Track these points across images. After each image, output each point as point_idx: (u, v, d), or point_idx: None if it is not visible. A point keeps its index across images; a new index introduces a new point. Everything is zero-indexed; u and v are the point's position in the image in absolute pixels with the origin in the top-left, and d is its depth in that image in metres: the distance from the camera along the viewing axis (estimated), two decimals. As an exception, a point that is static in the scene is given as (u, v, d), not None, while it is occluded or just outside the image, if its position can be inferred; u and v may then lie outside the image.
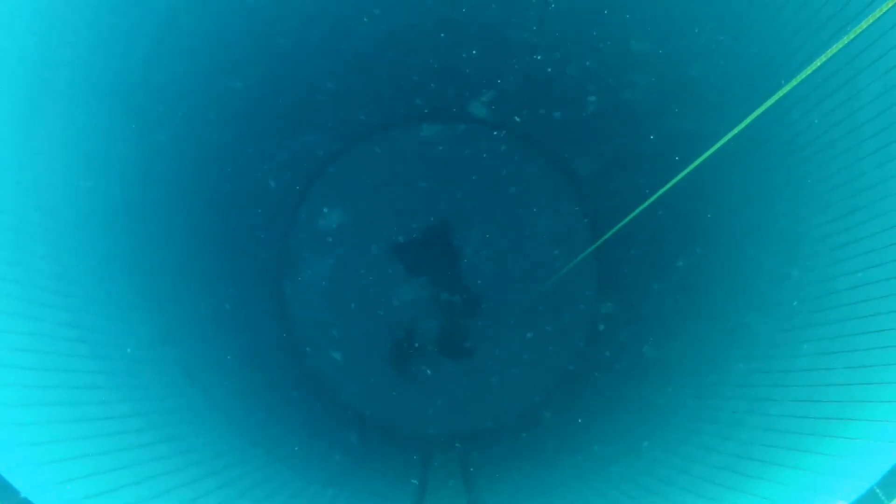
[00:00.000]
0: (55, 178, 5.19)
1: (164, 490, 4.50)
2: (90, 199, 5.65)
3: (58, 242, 5.07)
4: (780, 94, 3.51)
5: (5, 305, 4.29)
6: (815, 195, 5.13)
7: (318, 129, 9.79)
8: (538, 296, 10.03)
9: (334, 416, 9.75)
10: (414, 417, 10.03)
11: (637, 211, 5.39)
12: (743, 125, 3.85)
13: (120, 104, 6.01)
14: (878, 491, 3.29)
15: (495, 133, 10.53)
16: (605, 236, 6.30)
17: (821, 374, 4.68)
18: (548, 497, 6.30)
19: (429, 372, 10.15)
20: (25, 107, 4.84)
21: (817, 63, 3.29)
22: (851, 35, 3.07)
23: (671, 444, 5.91)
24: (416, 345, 10.22)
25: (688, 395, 6.46)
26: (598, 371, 9.45)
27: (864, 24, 3.04)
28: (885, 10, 2.81)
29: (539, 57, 8.33)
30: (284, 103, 8.69)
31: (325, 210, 10.40)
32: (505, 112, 10.10)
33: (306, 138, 9.73)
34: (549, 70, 8.59)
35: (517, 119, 10.14)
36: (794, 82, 3.41)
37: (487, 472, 7.66)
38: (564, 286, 9.68)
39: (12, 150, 4.73)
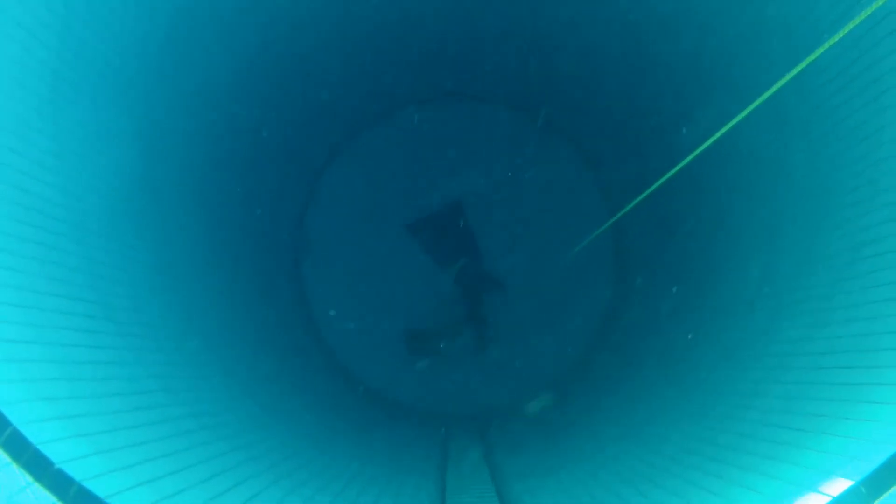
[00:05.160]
0: (80, 163, 5.28)
1: (192, 464, 4.59)
2: (112, 184, 5.74)
3: (83, 224, 5.17)
4: (797, 70, 3.54)
5: (34, 284, 4.40)
6: (835, 168, 5.12)
7: (334, 110, 9.83)
8: (555, 273, 10.07)
9: (354, 394, 9.84)
10: (432, 395, 10.12)
11: (653, 187, 5.41)
12: (761, 100, 3.88)
13: (137, 95, 6.09)
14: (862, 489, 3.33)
15: (510, 112, 10.55)
16: (621, 213, 6.32)
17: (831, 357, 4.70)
18: (568, 472, 6.37)
19: (446, 350, 10.21)
20: (49, 92, 4.93)
21: (833, 39, 3.32)
22: (871, 8, 3.09)
23: (685, 422, 5.96)
24: (433, 323, 10.29)
25: (704, 371, 6.50)
26: (615, 349, 9.49)
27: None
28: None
29: (555, 37, 8.34)
30: (299, 84, 8.73)
31: (342, 190, 10.47)
32: (520, 91, 10.12)
33: (322, 119, 9.78)
34: (566, 49, 8.60)
35: (533, 98, 10.15)
36: (810, 59, 3.43)
37: (507, 449, 7.72)
38: (581, 263, 9.71)
39: (39, 134, 4.82)
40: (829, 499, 3.38)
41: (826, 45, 3.42)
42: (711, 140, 4.44)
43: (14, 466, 3.26)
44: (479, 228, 10.44)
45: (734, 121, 4.14)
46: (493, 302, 10.36)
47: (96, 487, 3.45)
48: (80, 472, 3.46)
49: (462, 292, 10.42)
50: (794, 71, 3.59)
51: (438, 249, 10.44)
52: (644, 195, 5.56)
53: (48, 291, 4.54)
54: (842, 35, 3.36)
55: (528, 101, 10.31)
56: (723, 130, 4.27)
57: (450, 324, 10.30)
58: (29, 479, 3.27)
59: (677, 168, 4.89)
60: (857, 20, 3.27)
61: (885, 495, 3.27)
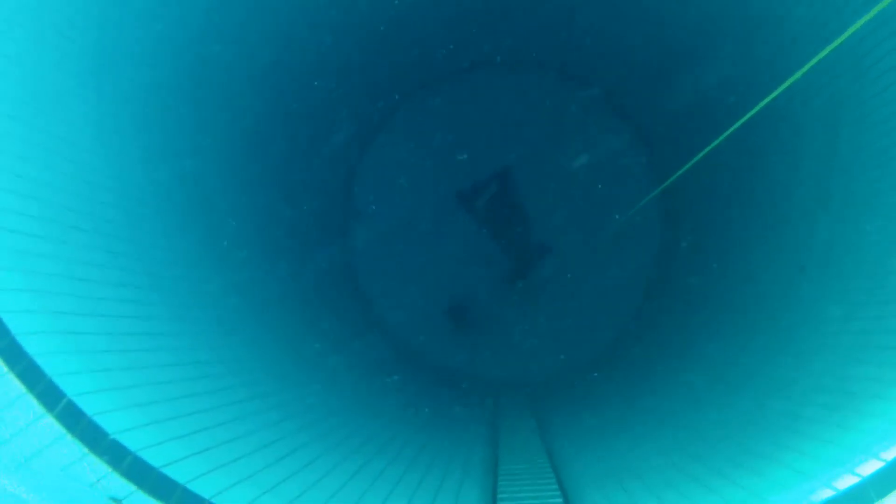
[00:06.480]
0: (127, 140, 5.36)
1: (244, 432, 4.65)
2: (159, 159, 5.81)
3: (130, 195, 5.25)
4: (849, 32, 3.44)
5: (83, 256, 4.48)
6: (883, 134, 4.99)
7: (382, 78, 9.80)
8: (602, 240, 9.99)
9: (404, 364, 9.89)
10: (482, 363, 10.13)
11: (701, 154, 5.33)
12: (812, 63, 3.78)
13: (182, 77, 6.14)
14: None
15: (558, 78, 10.43)
16: (669, 180, 6.23)
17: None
18: (618, 438, 6.35)
19: (495, 317, 10.20)
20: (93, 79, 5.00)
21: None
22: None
23: (731, 391, 5.90)
24: (484, 290, 10.27)
25: (750, 339, 6.41)
26: (663, 316, 9.41)
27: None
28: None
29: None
30: (345, 54, 8.71)
31: (390, 158, 10.46)
32: (568, 59, 9.99)
33: (369, 87, 9.76)
34: (614, 14, 8.47)
35: (581, 66, 10.03)
36: (863, 21, 3.33)
37: (557, 416, 7.71)
38: (628, 230, 9.62)
39: (84, 102, 4.89)
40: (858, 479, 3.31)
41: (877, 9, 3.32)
42: (760, 106, 4.35)
43: (69, 437, 3.33)
44: (527, 195, 10.37)
45: (782, 87, 4.05)
46: (541, 268, 10.32)
47: (151, 457, 3.51)
48: (135, 442, 3.52)
49: (511, 259, 10.39)
50: (847, 33, 3.49)
51: (487, 216, 10.40)
52: (692, 162, 5.48)
53: (96, 263, 4.61)
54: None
55: (577, 68, 10.18)
56: (770, 98, 4.18)
57: (501, 286, 10.31)
58: (84, 449, 3.33)
59: (726, 134, 4.80)
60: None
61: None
